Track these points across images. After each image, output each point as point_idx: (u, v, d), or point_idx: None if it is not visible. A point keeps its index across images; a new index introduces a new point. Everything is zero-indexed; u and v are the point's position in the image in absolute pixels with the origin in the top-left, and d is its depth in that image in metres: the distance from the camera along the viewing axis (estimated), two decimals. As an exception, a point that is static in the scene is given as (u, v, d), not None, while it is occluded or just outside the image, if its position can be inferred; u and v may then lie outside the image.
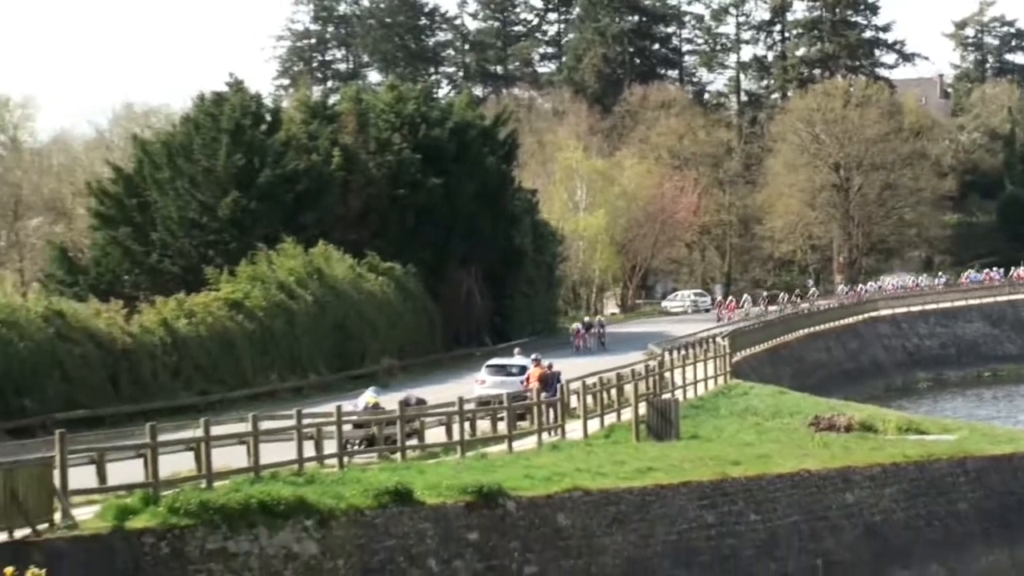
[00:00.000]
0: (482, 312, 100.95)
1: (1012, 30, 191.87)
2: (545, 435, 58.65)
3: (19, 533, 34.78)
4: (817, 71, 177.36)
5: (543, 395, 62.26)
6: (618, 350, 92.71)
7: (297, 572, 40.21)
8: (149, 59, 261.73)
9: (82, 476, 39.83)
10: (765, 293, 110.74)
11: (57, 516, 36.86)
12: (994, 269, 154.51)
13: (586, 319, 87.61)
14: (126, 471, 41.29)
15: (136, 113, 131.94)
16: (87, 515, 38.28)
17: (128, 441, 45.73)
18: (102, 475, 40.77)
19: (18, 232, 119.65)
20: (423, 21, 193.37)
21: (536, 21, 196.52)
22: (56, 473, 37.52)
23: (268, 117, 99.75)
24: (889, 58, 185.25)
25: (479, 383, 68.77)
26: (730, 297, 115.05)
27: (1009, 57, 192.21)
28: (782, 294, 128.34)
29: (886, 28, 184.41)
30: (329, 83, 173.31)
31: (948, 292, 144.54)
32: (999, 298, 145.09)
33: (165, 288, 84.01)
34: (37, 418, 62.76)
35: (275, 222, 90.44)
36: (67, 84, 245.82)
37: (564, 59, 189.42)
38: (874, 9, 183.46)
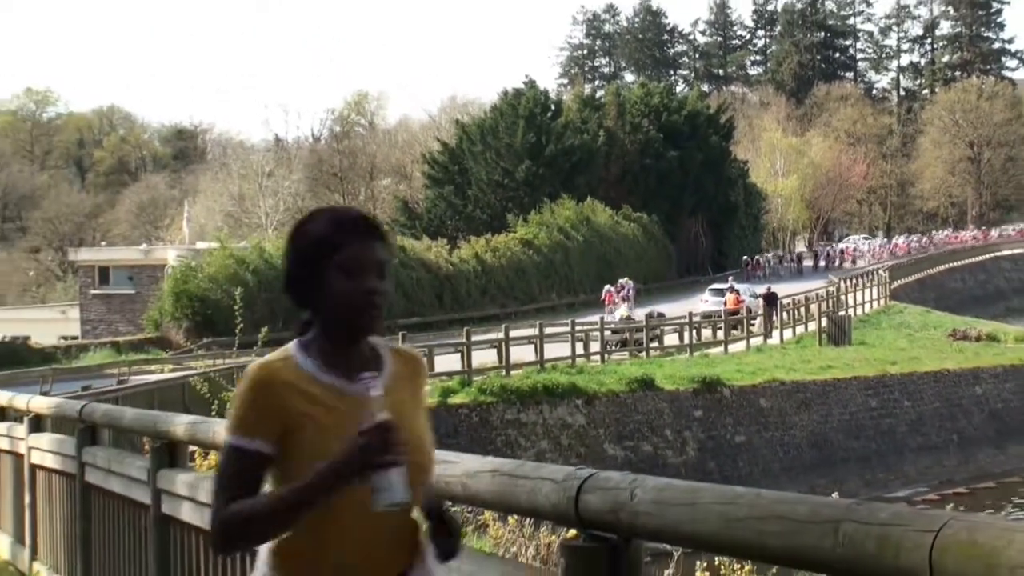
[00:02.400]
0: (705, 250, 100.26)
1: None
2: (752, 340, 58.48)
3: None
4: (958, 73, 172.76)
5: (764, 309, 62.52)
6: (806, 279, 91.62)
7: (570, 437, 40.49)
8: (467, 62, 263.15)
9: (417, 365, 40.42)
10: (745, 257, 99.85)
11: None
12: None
13: (619, 281, 70.87)
14: (448, 362, 41.82)
15: (457, 103, 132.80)
16: (421, 393, 38.88)
17: (449, 340, 46.21)
18: (431, 364, 41.27)
19: (373, 189, 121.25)
20: (665, 37, 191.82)
21: (748, 36, 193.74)
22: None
23: (552, 107, 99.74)
24: (1012, 63, 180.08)
25: (703, 302, 68.37)
26: (744, 257, 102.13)
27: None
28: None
29: (1010, 40, 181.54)
30: (596, 82, 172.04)
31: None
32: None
33: (476, 230, 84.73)
34: (386, 323, 63.76)
35: (556, 183, 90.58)
36: (407, 80, 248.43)
37: (768, 64, 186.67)
38: (1001, 26, 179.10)
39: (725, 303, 64.65)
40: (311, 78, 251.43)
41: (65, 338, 69.91)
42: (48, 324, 79.98)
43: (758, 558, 3.27)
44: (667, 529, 3.50)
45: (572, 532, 4.03)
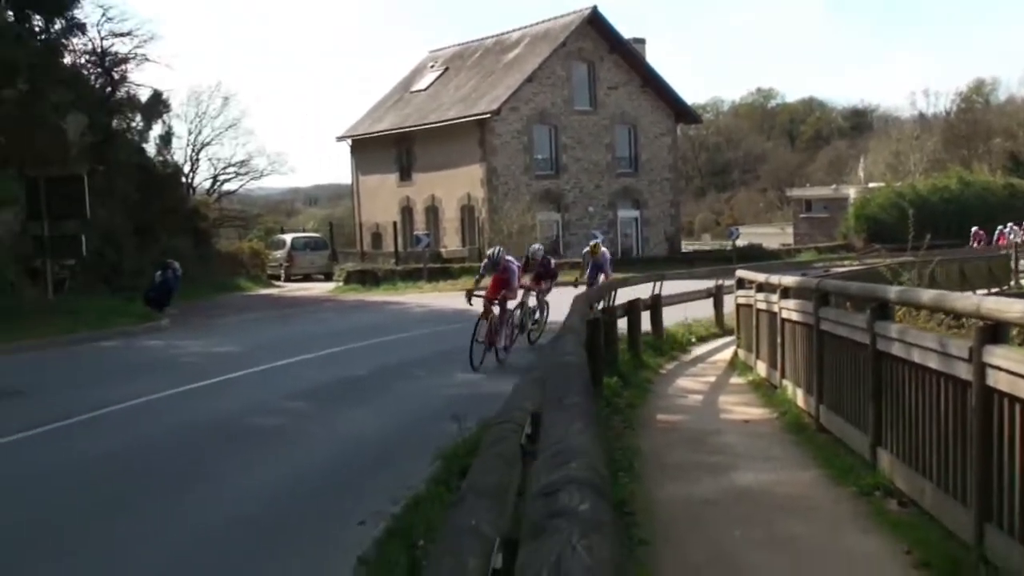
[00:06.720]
0: None
1: None
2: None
3: (993, 289, 32.11)
4: None
5: None
6: None
7: None
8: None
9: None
10: None
11: (1023, 281, 33.42)
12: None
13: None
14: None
15: None
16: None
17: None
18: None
19: (988, 146, 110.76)
20: None
21: None
22: (1011, 263, 34.45)
23: None
24: None
25: None
26: None
27: None
28: None
29: None
30: None
31: None
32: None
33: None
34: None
35: None
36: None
37: None
38: None
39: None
40: (893, 73, 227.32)
41: (784, 245, 70.46)
42: (773, 236, 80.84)
43: None
44: None
45: None
